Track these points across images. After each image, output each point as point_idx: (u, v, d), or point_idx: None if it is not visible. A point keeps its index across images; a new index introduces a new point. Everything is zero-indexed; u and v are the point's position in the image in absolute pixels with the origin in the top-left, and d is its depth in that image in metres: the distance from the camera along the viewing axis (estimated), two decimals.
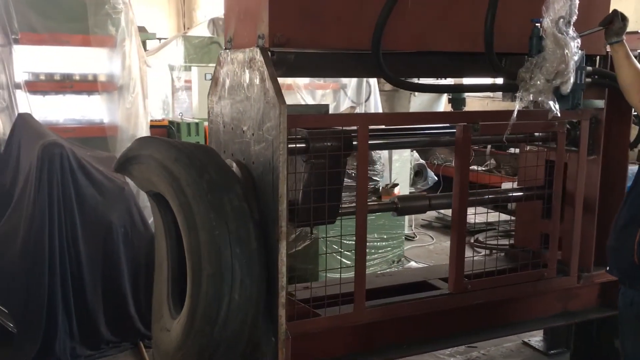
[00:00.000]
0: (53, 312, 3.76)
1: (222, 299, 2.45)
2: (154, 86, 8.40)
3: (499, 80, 3.25)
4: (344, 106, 6.31)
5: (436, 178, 8.93)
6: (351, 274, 2.89)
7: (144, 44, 10.12)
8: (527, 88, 2.83)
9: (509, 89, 2.98)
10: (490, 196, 3.46)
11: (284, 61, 2.68)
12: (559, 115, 2.81)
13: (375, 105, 6.41)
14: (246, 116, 2.73)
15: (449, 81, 7.95)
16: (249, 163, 2.73)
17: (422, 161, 9.14)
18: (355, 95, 6.38)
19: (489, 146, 9.34)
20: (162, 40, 10.20)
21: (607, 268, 2.80)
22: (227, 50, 2.95)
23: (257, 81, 2.58)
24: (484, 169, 9.42)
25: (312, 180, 2.79)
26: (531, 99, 2.82)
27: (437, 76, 3.57)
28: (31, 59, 4.88)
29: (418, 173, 9.16)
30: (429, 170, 9.11)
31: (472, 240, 7.11)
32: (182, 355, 2.63)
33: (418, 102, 10.27)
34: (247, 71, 2.68)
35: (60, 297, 3.79)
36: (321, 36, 2.62)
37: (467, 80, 3.94)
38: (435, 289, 3.32)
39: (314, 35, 2.60)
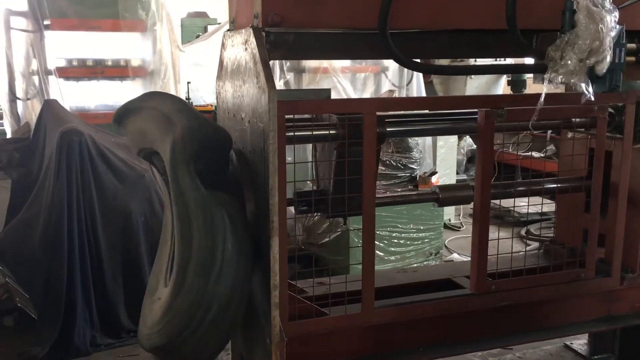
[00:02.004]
0: (72, 300, 3.76)
1: (216, 248, 2.27)
2: (207, 71, 8.43)
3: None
4: (384, 90, 6.04)
5: None
6: (377, 268, 2.68)
7: (205, 29, 10.19)
8: (556, 69, 2.52)
9: (539, 70, 2.66)
10: (521, 188, 3.15)
11: (282, 42, 2.49)
12: (592, 99, 2.49)
13: (418, 89, 6.11)
14: (244, 102, 2.56)
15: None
16: (247, 152, 2.57)
17: (475, 147, 8.75)
18: (397, 78, 6.08)
19: (549, 131, 8.86)
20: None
21: None
22: (230, 32, 2.79)
23: (251, 64, 2.40)
24: (542, 154, 8.95)
25: (340, 169, 2.59)
26: (560, 80, 2.51)
27: (456, 57, 3.29)
28: (63, 45, 4.88)
29: (471, 159, 8.80)
30: None
31: (523, 232, 6.76)
32: (170, 319, 2.36)
33: (475, 86, 9.83)
34: (244, 54, 2.50)
35: (79, 285, 3.78)
36: (320, 15, 2.40)
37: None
38: (459, 288, 3.07)
39: (312, 13, 2.39)
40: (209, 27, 10.22)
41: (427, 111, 3.24)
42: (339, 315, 2.67)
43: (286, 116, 2.44)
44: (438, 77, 9.82)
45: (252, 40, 2.35)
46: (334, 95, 5.45)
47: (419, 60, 2.90)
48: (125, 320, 3.96)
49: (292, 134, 2.47)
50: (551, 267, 3.08)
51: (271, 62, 5.78)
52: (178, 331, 2.35)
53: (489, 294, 2.91)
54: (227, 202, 2.35)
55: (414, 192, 4.79)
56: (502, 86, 10.12)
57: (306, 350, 2.67)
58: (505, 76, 9.82)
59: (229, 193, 2.41)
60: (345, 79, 5.73)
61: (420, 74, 6.12)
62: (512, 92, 9.29)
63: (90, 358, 3.79)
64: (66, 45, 4.88)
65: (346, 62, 5.94)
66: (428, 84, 9.38)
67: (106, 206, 3.88)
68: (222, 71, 2.91)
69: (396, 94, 5.82)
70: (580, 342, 3.94)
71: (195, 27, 10.33)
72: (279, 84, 5.63)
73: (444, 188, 3.12)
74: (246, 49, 2.45)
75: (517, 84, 9.55)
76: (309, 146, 4.85)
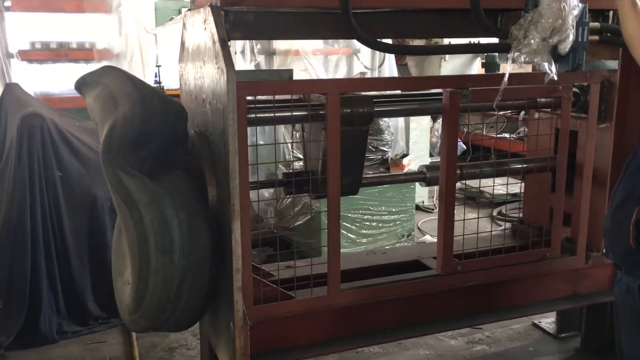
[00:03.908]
0: (37, 288, 3.68)
1: (171, 222, 2.23)
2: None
3: None
4: (355, 72, 5.99)
5: (464, 147, 8.56)
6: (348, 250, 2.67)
7: (179, 12, 10.00)
8: (520, 48, 2.50)
9: (503, 50, 2.64)
10: (486, 169, 3.15)
11: (242, 22, 2.42)
12: (555, 78, 2.48)
13: (390, 70, 6.06)
14: (205, 84, 2.51)
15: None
16: (208, 135, 2.52)
17: None
18: (369, 60, 6.04)
19: (522, 112, 8.91)
20: None
21: (603, 251, 2.49)
22: (190, 12, 2.72)
23: (210, 45, 2.34)
24: (515, 136, 9.00)
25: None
26: (524, 60, 2.49)
27: (420, 37, 3.26)
28: (25, 27, 4.74)
29: None
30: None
31: (495, 213, 6.80)
32: (148, 301, 2.32)
33: (449, 67, 9.82)
34: (203, 34, 2.45)
35: (44, 273, 3.70)
36: None
37: None
38: (427, 269, 3.08)
39: None
40: (183, 10, 10.01)
41: (399, 92, 3.22)
42: (304, 298, 2.66)
43: (248, 97, 2.41)
44: (413, 60, 9.80)
45: (211, 19, 2.30)
46: (305, 78, 5.40)
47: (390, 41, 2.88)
48: (93, 307, 3.90)
49: (254, 115, 2.44)
50: (517, 247, 3.10)
51: (242, 44, 5.69)
52: (160, 308, 2.35)
53: (455, 274, 2.92)
54: (172, 182, 2.32)
55: (402, 172, 4.78)
56: (476, 68, 10.14)
57: (273, 334, 2.65)
58: (479, 58, 9.82)
59: (183, 172, 2.38)
60: (317, 61, 5.67)
61: (392, 56, 6.07)
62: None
63: (57, 346, 3.73)
64: (28, 27, 4.75)
65: (318, 44, 5.86)
66: (403, 66, 9.35)
67: (70, 192, 3.79)
68: (184, 53, 2.85)
69: (368, 76, 5.78)
70: (548, 321, 3.98)
71: (169, 10, 10.13)
72: (250, 66, 5.55)
73: (431, 167, 3.12)
74: (205, 29, 2.39)
75: (491, 66, 9.56)
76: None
